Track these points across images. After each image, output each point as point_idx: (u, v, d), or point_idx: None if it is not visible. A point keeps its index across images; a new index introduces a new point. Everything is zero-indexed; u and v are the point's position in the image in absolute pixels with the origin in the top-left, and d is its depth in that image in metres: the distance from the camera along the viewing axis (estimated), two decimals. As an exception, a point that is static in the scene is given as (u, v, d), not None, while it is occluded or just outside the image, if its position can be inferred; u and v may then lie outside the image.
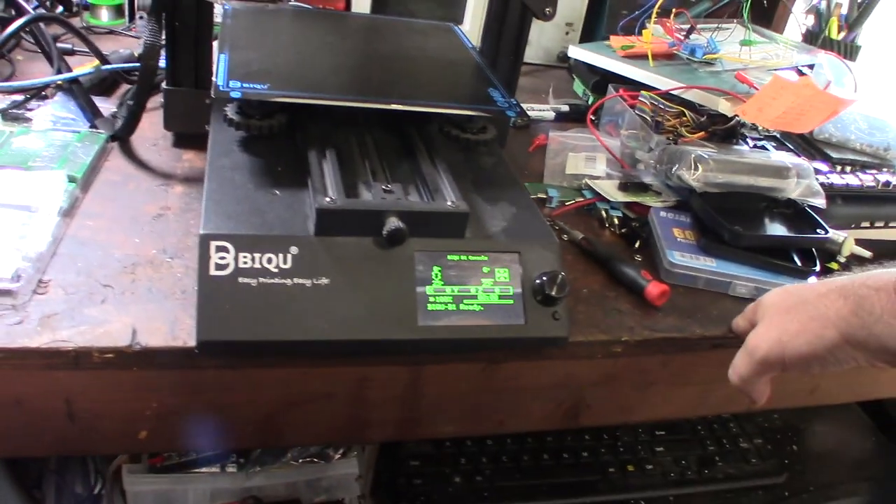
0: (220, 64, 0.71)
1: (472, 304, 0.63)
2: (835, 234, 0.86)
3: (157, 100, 0.90)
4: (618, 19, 1.26)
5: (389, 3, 1.24)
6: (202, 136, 0.81)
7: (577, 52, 1.14)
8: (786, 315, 0.63)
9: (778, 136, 1.12)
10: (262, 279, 0.58)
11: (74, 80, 0.89)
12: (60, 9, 1.20)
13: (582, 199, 0.89)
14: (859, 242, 0.89)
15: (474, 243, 0.64)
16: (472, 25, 1.25)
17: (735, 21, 1.29)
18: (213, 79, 0.69)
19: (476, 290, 0.63)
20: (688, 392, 0.80)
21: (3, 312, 0.60)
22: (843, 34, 1.45)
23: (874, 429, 1.13)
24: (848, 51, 1.43)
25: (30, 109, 0.88)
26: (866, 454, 1.09)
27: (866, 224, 0.96)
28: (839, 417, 1.13)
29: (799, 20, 1.55)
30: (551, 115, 1.11)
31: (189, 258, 0.69)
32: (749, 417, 1.07)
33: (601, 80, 1.13)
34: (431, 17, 1.24)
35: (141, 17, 1.16)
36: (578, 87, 1.22)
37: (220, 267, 0.58)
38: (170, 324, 0.61)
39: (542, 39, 1.31)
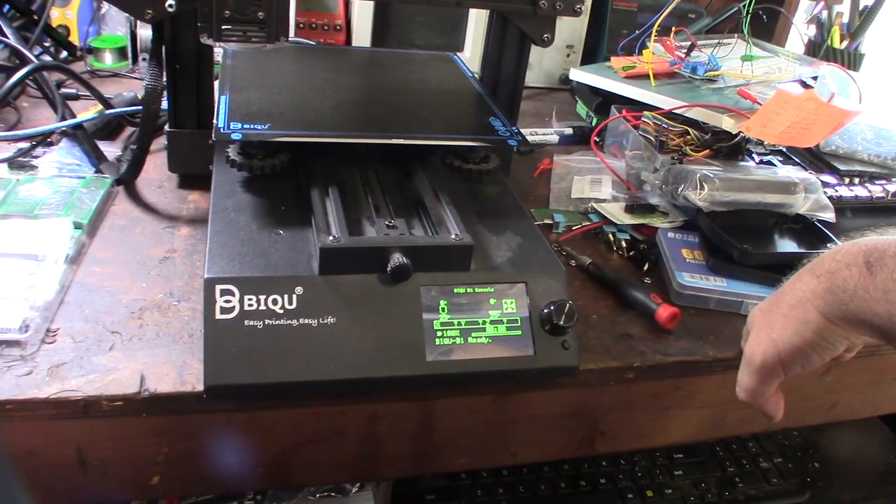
0: (220, 106, 0.72)
1: (481, 337, 0.62)
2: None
3: (160, 142, 0.90)
4: (618, 40, 1.26)
5: (390, 34, 1.24)
6: (206, 177, 0.81)
7: (579, 75, 1.14)
8: (769, 314, 0.62)
9: (784, 150, 1.12)
10: (267, 321, 0.58)
11: (79, 126, 0.90)
12: (64, 53, 1.21)
13: (588, 223, 0.89)
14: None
15: (480, 275, 0.64)
16: (472, 53, 1.26)
17: (736, 36, 1.29)
18: (214, 121, 0.69)
19: (484, 322, 0.63)
20: (704, 414, 0.79)
21: (12, 364, 0.60)
22: (845, 43, 1.45)
23: (896, 442, 1.12)
24: (851, 60, 1.43)
25: (35, 157, 0.89)
26: (890, 468, 1.07)
27: (876, 235, 0.95)
28: (860, 432, 1.12)
29: (801, 31, 1.55)
30: (555, 138, 1.11)
31: (196, 301, 0.69)
32: (768, 436, 1.05)
33: (604, 102, 1.13)
34: (432, 45, 1.24)
35: (144, 60, 1.17)
36: (581, 109, 1.22)
37: (225, 310, 0.58)
38: (178, 368, 0.61)
39: (543, 62, 1.31)
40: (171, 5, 0.73)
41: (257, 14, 0.68)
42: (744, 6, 1.19)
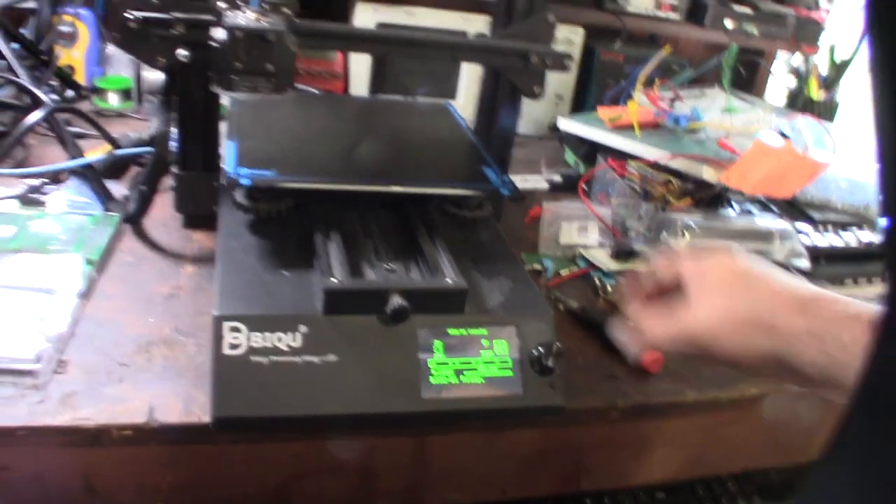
0: (229, 152, 0.75)
1: (473, 376, 0.66)
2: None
3: (166, 182, 0.94)
4: (605, 90, 1.32)
5: (387, 81, 1.29)
6: (211, 217, 0.85)
7: (567, 125, 1.19)
8: (728, 301, 0.58)
9: (763, 199, 1.17)
10: (273, 357, 0.62)
11: (88, 166, 0.93)
12: (70, 92, 1.25)
13: (576, 269, 0.93)
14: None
15: (474, 318, 0.67)
16: (465, 100, 1.31)
17: (717, 87, 1.34)
18: (223, 166, 0.73)
19: (476, 362, 0.66)
20: (685, 454, 0.83)
21: (25, 392, 0.63)
22: (822, 94, 1.51)
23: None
24: (828, 110, 1.49)
25: (45, 194, 0.92)
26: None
27: (850, 282, 1.00)
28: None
29: (780, 82, 1.62)
30: (545, 185, 1.15)
31: (201, 337, 0.72)
32: (747, 476, 1.08)
33: (591, 150, 1.18)
34: (426, 93, 1.29)
35: (148, 101, 1.21)
36: (570, 156, 1.27)
37: (233, 346, 0.61)
38: (185, 401, 0.64)
39: (532, 111, 1.36)
40: (183, 55, 0.77)
41: (266, 67, 0.72)
42: (724, 59, 1.25)
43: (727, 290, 0.58)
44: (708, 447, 0.82)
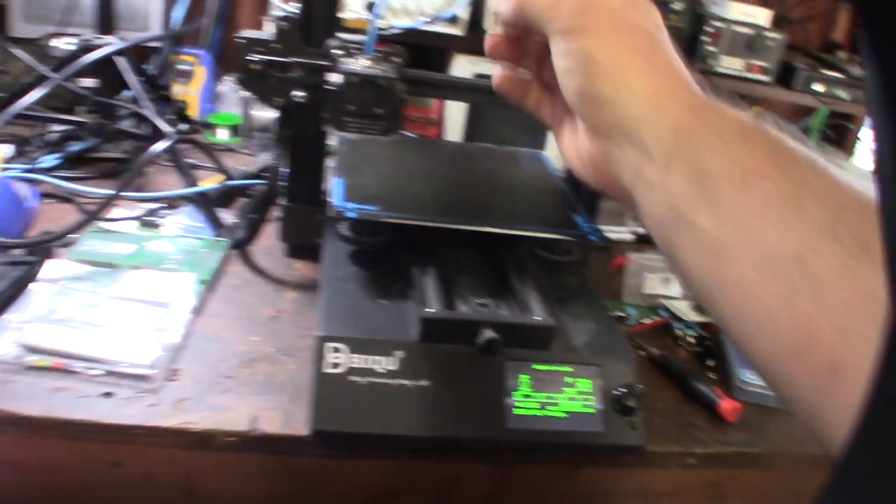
0: (336, 187, 0.81)
1: (556, 411, 0.69)
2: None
3: (271, 212, 1.00)
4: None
5: (480, 130, 1.35)
6: (312, 248, 0.91)
7: (654, 179, 1.22)
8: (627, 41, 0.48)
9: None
10: (370, 378, 0.66)
11: (202, 194, 1.00)
12: (183, 126, 1.34)
13: (658, 318, 0.95)
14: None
15: (560, 355, 0.71)
16: (555, 151, 1.35)
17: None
18: (331, 200, 0.78)
19: (559, 397, 0.69)
20: (759, 507, 0.83)
21: (141, 395, 0.69)
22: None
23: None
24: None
25: (161, 217, 1.00)
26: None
27: None
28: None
29: (868, 146, 1.61)
30: (630, 236, 1.18)
31: (301, 357, 0.77)
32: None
33: (676, 205, 1.20)
34: (518, 143, 1.34)
35: (255, 137, 1.29)
36: (654, 210, 1.29)
37: (333, 365, 0.66)
38: (285, 414, 0.69)
39: (620, 164, 1.38)
40: (299, 96, 0.84)
41: (376, 110, 0.77)
42: (813, 122, 1.27)
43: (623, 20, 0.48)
44: (782, 501, 0.82)
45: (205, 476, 0.70)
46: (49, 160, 1.12)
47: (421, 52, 1.31)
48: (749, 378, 0.83)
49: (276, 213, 0.95)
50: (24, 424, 0.65)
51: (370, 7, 1.23)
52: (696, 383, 0.82)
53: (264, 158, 1.16)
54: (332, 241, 0.82)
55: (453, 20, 1.26)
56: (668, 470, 0.76)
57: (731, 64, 1.42)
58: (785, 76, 1.48)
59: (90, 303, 0.78)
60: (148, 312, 0.78)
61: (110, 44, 1.08)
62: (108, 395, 0.68)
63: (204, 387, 0.71)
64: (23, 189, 0.95)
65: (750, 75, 1.44)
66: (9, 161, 1.09)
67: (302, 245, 0.95)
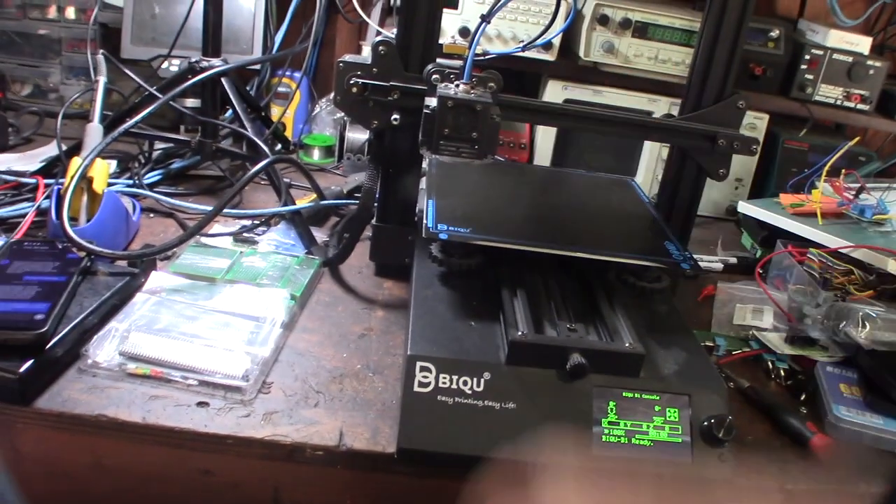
0: (428, 208, 0.82)
1: (643, 440, 0.68)
2: None
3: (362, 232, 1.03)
4: (786, 177, 1.31)
5: (569, 155, 1.35)
6: (401, 268, 0.92)
7: (747, 208, 1.20)
8: None
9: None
10: (457, 399, 0.67)
11: (297, 212, 1.03)
12: (279, 146, 1.38)
13: (749, 350, 0.93)
14: None
15: (648, 383, 0.70)
16: (644, 178, 1.34)
17: (906, 182, 1.31)
18: (424, 221, 0.80)
19: (647, 426, 0.68)
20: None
21: (233, 406, 0.71)
22: None
23: None
24: None
25: (257, 234, 1.03)
26: None
27: None
28: None
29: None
30: (720, 266, 1.16)
31: (388, 374, 0.78)
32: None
33: (769, 235, 1.18)
34: (606, 169, 1.34)
35: (348, 158, 1.32)
36: (746, 240, 1.27)
37: (422, 384, 0.67)
38: (372, 431, 0.70)
39: (711, 193, 1.37)
40: (395, 119, 0.86)
41: (471, 134, 0.78)
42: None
43: None
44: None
45: (291, 488, 0.72)
46: (152, 176, 1.17)
47: (515, 77, 1.33)
48: (844, 414, 0.80)
49: (367, 232, 0.97)
50: (122, 429, 0.68)
51: (465, 33, 1.25)
52: (788, 417, 0.80)
53: (357, 178, 1.18)
54: (422, 261, 0.83)
55: (547, 46, 1.27)
56: (757, 505, 0.74)
57: (829, 92, 1.38)
58: (885, 105, 1.43)
59: (188, 315, 0.81)
60: (242, 326, 0.80)
61: (214, 66, 1.13)
62: (202, 404, 0.70)
63: (294, 400, 0.73)
64: (127, 203, 1.00)
65: (849, 104, 1.40)
66: (114, 176, 1.14)
67: (392, 265, 0.97)
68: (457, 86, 0.78)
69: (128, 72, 1.17)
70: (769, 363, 0.90)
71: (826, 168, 1.18)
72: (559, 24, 1.19)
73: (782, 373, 0.89)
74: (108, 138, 0.94)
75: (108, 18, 1.38)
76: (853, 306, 0.91)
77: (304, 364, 0.79)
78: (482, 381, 0.67)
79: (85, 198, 0.91)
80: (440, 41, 1.08)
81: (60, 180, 0.94)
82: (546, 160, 1.34)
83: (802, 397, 0.86)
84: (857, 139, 1.22)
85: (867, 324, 0.87)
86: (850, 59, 1.36)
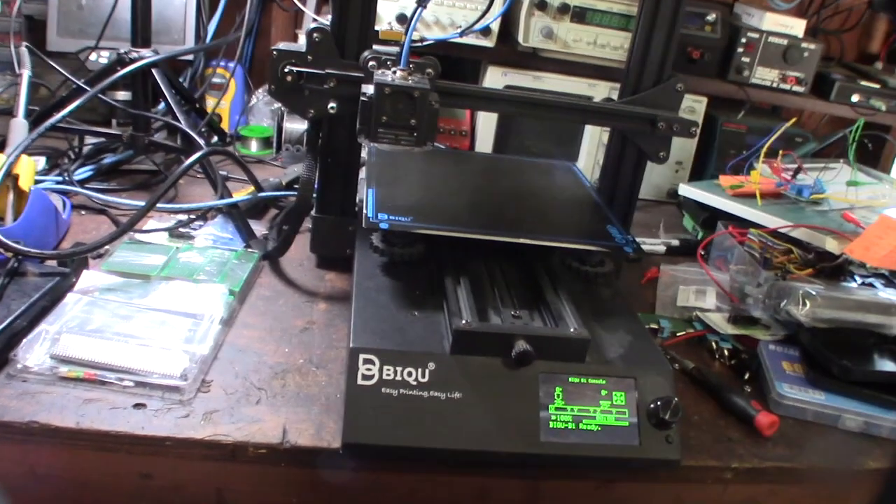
0: (369, 198, 0.81)
1: (591, 425, 0.68)
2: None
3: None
4: (726, 159, 1.33)
5: (510, 142, 1.34)
6: (343, 259, 0.90)
7: (688, 191, 1.21)
8: None
9: (886, 273, 1.14)
10: (402, 390, 0.65)
11: (234, 205, 1.01)
12: (215, 138, 1.35)
13: (693, 331, 0.94)
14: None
15: (594, 368, 0.69)
16: (585, 163, 1.34)
17: (841, 161, 1.33)
18: (364, 210, 0.78)
19: (594, 411, 0.68)
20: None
21: (172, 406, 0.69)
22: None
23: None
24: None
25: (193, 229, 1.00)
26: None
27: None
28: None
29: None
30: (662, 248, 1.17)
31: (332, 368, 0.77)
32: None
33: (710, 217, 1.19)
34: (548, 154, 1.33)
35: (287, 149, 1.29)
36: (688, 222, 1.28)
37: (366, 377, 0.65)
38: (316, 426, 0.69)
39: (652, 176, 1.38)
40: (332, 107, 0.84)
41: (410, 121, 0.77)
42: (850, 133, 1.24)
43: None
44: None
45: (235, 488, 0.70)
46: (83, 172, 1.13)
47: (454, 64, 1.32)
48: (787, 392, 0.81)
49: (307, 224, 0.95)
50: (55, 435, 0.65)
51: (402, 19, 1.23)
52: (733, 396, 0.80)
53: (296, 170, 1.16)
54: (363, 252, 0.82)
55: (485, 32, 1.26)
56: (704, 485, 0.75)
57: (765, 75, 1.40)
58: (820, 87, 1.46)
59: (123, 314, 0.78)
60: (179, 324, 0.78)
61: (144, 57, 1.09)
62: (139, 406, 0.68)
63: (235, 398, 0.71)
64: (57, 201, 0.96)
65: (785, 86, 1.42)
66: (43, 173, 1.10)
67: (333, 256, 0.95)
68: (394, 72, 0.76)
69: (54, 65, 1.12)
70: (713, 343, 0.91)
71: (764, 149, 1.20)
72: (497, 8, 1.18)
73: (726, 353, 0.90)
74: (33, 134, 0.91)
75: (33, 10, 1.32)
76: (793, 285, 0.92)
77: (245, 361, 0.77)
78: (427, 371, 0.66)
79: (11, 196, 0.87)
80: (376, 28, 1.07)
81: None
82: (488, 147, 1.33)
83: (746, 376, 0.87)
84: (793, 120, 1.24)
85: (807, 302, 0.88)
86: (786, 41, 1.38)
